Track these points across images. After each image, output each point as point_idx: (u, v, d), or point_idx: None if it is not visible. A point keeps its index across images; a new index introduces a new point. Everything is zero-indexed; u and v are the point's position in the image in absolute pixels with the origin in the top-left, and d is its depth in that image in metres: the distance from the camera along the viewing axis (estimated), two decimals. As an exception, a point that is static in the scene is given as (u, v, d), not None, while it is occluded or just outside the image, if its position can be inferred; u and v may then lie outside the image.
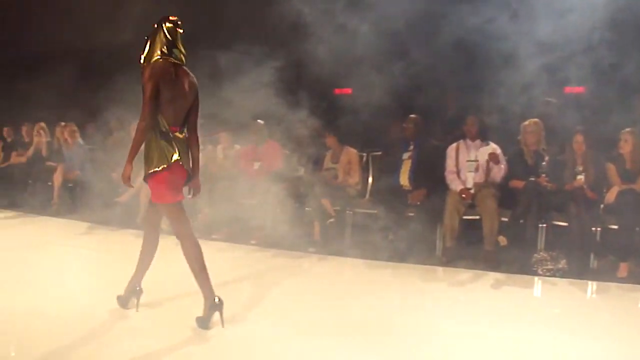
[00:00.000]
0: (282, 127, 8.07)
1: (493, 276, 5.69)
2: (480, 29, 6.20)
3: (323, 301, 4.88)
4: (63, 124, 9.81)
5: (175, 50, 4.04)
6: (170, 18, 4.08)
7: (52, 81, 9.44)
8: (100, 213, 8.37)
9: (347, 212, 6.91)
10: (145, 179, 4.00)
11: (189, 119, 4.13)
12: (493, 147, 6.49)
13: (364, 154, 7.48)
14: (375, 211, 6.63)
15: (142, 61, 4.06)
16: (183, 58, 4.09)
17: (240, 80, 7.32)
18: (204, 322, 3.99)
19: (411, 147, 6.80)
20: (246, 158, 7.83)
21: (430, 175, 6.58)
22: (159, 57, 3.99)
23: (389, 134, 7.69)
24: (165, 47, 4.02)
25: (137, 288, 4.37)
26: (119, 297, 4.41)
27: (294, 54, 7.15)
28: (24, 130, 10.75)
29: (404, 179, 6.71)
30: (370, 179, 7.34)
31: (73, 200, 9.41)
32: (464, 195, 6.25)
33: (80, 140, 9.61)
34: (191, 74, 4.15)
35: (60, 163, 9.53)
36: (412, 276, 5.72)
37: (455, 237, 6.23)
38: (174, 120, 3.99)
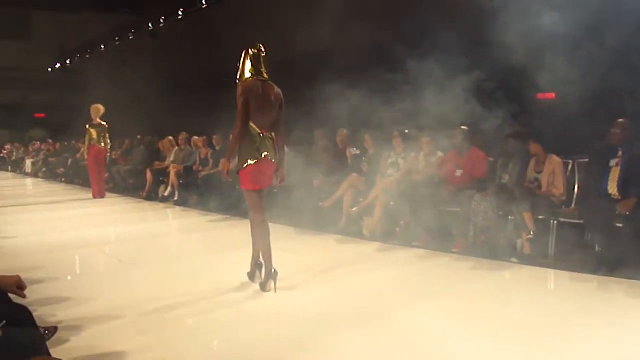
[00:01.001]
0: (486, 134, 8.44)
1: None
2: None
3: (517, 312, 5.05)
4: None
5: (260, 70, 5.54)
6: (255, 46, 5.62)
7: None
8: (305, 217, 9.22)
9: (552, 221, 6.95)
10: (238, 171, 5.54)
11: (276, 123, 5.62)
12: None
13: (570, 161, 7.46)
14: (581, 221, 6.69)
15: (237, 81, 5.60)
16: (266, 75, 5.56)
17: (442, 86, 7.80)
18: (262, 286, 5.65)
19: (619, 154, 6.63)
20: (449, 165, 8.18)
21: (641, 183, 6.37)
22: (247, 77, 5.52)
23: (596, 140, 7.52)
24: (252, 68, 5.54)
25: (272, 269, 5.69)
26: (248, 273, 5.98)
27: (495, 60, 7.42)
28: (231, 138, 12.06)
29: (613, 188, 6.58)
30: (576, 188, 7.31)
31: (278, 205, 10.40)
32: (678, 206, 6.01)
33: (285, 148, 10.60)
34: (276, 87, 5.61)
35: (266, 170, 10.56)
36: (619, 291, 5.65)
37: (668, 250, 5.97)
38: (263, 124, 5.49)
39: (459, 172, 8.01)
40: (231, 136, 5.68)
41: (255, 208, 5.63)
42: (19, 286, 3.26)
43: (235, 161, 5.67)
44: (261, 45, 5.64)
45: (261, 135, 5.46)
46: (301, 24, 11.78)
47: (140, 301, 5.39)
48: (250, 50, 5.62)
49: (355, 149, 9.98)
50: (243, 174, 5.51)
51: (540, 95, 9.39)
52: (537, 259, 6.82)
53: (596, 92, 6.89)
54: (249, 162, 5.44)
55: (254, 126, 5.44)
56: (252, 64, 5.58)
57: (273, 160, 5.58)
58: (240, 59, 5.66)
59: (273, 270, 5.63)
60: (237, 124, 5.41)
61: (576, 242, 6.94)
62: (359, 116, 9.07)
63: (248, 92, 5.41)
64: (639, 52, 6.76)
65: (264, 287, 5.65)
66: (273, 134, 5.61)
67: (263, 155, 5.46)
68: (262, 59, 5.61)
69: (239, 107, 5.38)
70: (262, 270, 5.78)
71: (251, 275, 5.94)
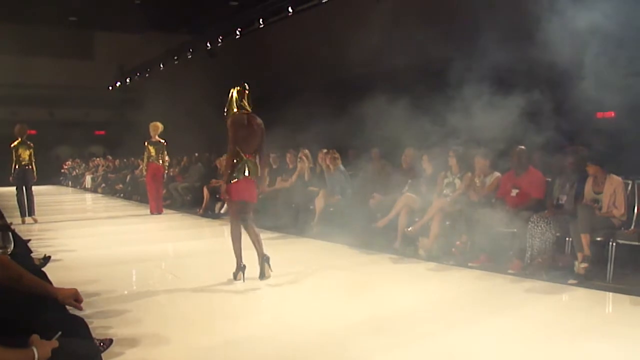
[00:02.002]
0: (544, 154, 8.39)
1: None
2: None
3: (572, 336, 4.98)
4: (325, 150, 10.99)
5: (244, 105, 6.85)
6: (240, 84, 6.89)
7: (315, 109, 10.68)
8: (360, 237, 9.24)
9: (610, 243, 6.82)
10: (225, 185, 6.85)
11: (259, 148, 6.96)
12: None
13: (629, 182, 7.32)
14: (642, 243, 6.55)
15: (225, 115, 6.92)
16: (249, 109, 6.87)
17: (499, 105, 7.81)
18: (261, 275, 6.99)
19: None
20: (505, 185, 8.14)
21: None
22: (234, 111, 6.83)
23: None
24: (237, 104, 6.85)
25: (263, 256, 7.05)
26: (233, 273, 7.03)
27: (553, 79, 7.41)
28: (288, 156, 12.24)
29: None
30: (635, 209, 7.19)
31: (333, 224, 10.44)
32: None
33: (341, 167, 10.72)
34: (258, 118, 6.93)
35: (322, 188, 10.69)
36: None
37: None
38: (247, 150, 6.83)
39: (514, 192, 7.95)
40: (224, 160, 7.22)
41: (234, 215, 7.09)
42: (76, 299, 3.38)
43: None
44: (245, 84, 6.92)
45: (245, 158, 6.83)
46: (356, 42, 11.92)
47: (193, 319, 5.55)
48: (236, 88, 6.93)
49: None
50: (229, 187, 6.84)
51: (599, 114, 9.30)
52: (595, 281, 6.69)
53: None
54: (235, 179, 6.80)
55: (240, 151, 6.80)
56: (237, 100, 6.89)
57: (253, 179, 6.91)
58: (228, 96, 6.95)
59: (264, 257, 7.03)
60: (229, 150, 6.86)
61: (636, 265, 6.88)
62: (410, 133, 9.12)
63: (235, 124, 6.81)
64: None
65: (262, 276, 6.99)
66: (256, 157, 6.98)
67: (245, 174, 6.82)
68: (246, 95, 6.92)
69: (229, 137, 6.80)
70: (244, 272, 6.98)
71: (235, 276, 7.04)
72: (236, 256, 7.01)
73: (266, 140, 7.08)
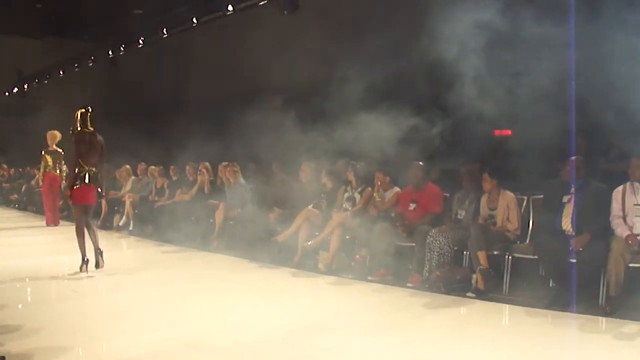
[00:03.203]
0: (442, 169, 8.49)
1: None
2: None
3: (471, 348, 5.03)
4: (225, 163, 10.84)
5: (87, 125, 8.02)
6: (85, 107, 8.09)
7: (216, 122, 10.54)
8: (259, 251, 9.14)
9: (506, 256, 6.99)
10: (67, 191, 8.12)
11: (99, 161, 8.16)
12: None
13: (525, 197, 7.51)
14: (536, 256, 6.71)
15: (71, 132, 8.13)
16: (91, 128, 8.04)
17: (401, 122, 7.87)
18: (96, 265, 7.96)
19: (572, 190, 6.74)
20: (404, 200, 8.23)
21: (594, 219, 6.48)
22: (78, 130, 7.99)
23: (550, 176, 7.59)
24: (80, 124, 8.02)
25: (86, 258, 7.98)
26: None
27: (454, 96, 7.52)
28: (188, 169, 12.00)
29: (566, 224, 6.66)
30: (530, 223, 7.36)
31: (233, 237, 10.33)
32: (630, 242, 6.12)
33: (242, 180, 10.59)
34: (99, 136, 8.13)
35: (222, 201, 10.53)
36: (572, 326, 5.72)
37: (621, 286, 6.05)
38: (88, 162, 8.01)
39: (412, 206, 8.06)
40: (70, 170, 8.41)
41: (78, 218, 8.12)
42: None
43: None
44: (89, 107, 8.12)
45: (86, 168, 7.98)
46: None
47: (90, 332, 5.34)
48: (80, 110, 8.06)
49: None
50: (72, 193, 8.00)
51: (497, 132, 9.50)
52: (492, 294, 6.84)
53: (551, 129, 6.95)
54: (77, 185, 7.96)
55: (82, 163, 7.96)
56: (81, 120, 8.04)
57: (93, 186, 8.07)
58: (74, 117, 8.07)
59: (98, 250, 8.04)
60: (72, 162, 8.15)
61: (531, 278, 7.02)
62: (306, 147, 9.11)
63: (78, 141, 8.01)
64: (593, 93, 6.90)
65: (97, 265, 7.99)
66: (95, 168, 8.11)
67: (86, 182, 7.97)
68: (89, 116, 8.08)
69: (73, 151, 8.06)
70: (88, 265, 7.94)
71: (81, 268, 7.94)
72: (81, 251, 7.96)
73: (106, 154, 8.32)
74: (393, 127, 7.85)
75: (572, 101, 6.99)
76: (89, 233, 8.02)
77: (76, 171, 7.97)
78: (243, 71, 13.52)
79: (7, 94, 28.51)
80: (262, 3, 13.95)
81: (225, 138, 10.95)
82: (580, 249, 6.35)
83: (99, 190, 8.29)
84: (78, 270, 7.89)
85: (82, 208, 8.11)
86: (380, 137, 7.92)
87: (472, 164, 7.95)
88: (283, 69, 11.82)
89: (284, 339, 5.25)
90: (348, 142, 8.41)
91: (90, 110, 8.09)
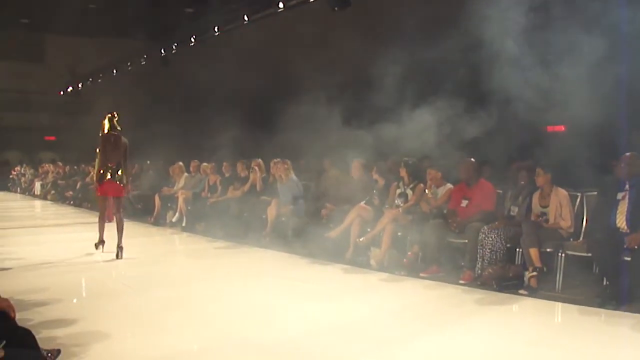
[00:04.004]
0: (495, 166, 8.46)
1: None
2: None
3: (523, 346, 5.02)
4: (277, 160, 10.96)
5: (114, 127, 9.14)
6: (111, 112, 9.22)
7: (271, 119, 10.66)
8: (312, 247, 9.25)
9: (559, 254, 6.91)
10: (96, 184, 9.38)
11: (123, 159, 9.21)
12: None
13: (578, 194, 7.41)
14: (589, 254, 6.64)
15: (100, 134, 9.19)
16: (117, 130, 9.14)
17: (450, 118, 7.87)
18: (117, 255, 9.01)
19: (627, 187, 6.63)
20: (456, 196, 8.22)
21: (650, 217, 6.34)
22: (105, 131, 9.13)
23: (604, 173, 7.59)
24: (109, 126, 9.14)
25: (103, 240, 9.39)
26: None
27: (505, 92, 7.49)
28: (239, 166, 12.16)
29: (621, 221, 6.56)
30: (584, 221, 7.27)
31: (285, 233, 10.44)
32: (686, 240, 5.98)
33: (293, 176, 10.71)
34: (124, 138, 9.26)
35: (274, 198, 10.67)
36: (625, 325, 5.59)
37: (677, 285, 5.94)
38: (112, 159, 9.12)
39: (464, 203, 8.04)
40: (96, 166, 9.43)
41: (101, 208, 9.52)
42: (6, 310, 3.28)
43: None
44: (115, 112, 9.24)
45: (109, 165, 9.10)
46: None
47: (142, 326, 5.49)
48: (109, 115, 9.21)
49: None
50: (98, 186, 9.26)
51: (550, 128, 9.40)
52: (545, 291, 6.76)
53: (606, 125, 6.87)
54: (102, 180, 9.13)
55: (106, 161, 9.11)
56: (109, 123, 9.15)
57: (116, 181, 9.16)
58: (103, 120, 9.19)
59: (120, 246, 9.02)
60: (98, 160, 9.21)
61: (584, 275, 6.96)
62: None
63: (104, 141, 9.16)
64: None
65: (118, 256, 8.97)
66: (119, 165, 9.17)
67: (107, 178, 9.11)
68: (115, 120, 9.19)
69: (99, 150, 9.15)
70: (104, 245, 9.41)
71: (96, 246, 9.40)
72: (99, 232, 9.41)
73: (129, 154, 9.44)
74: (443, 123, 7.86)
75: (623, 93, 6.90)
76: (117, 222, 9.26)
77: (102, 168, 9.16)
78: (290, 67, 13.61)
79: (62, 93, 29.10)
80: (312, 0, 14.06)
81: (276, 134, 11.06)
82: (635, 247, 6.23)
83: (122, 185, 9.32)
84: (111, 256, 9.01)
85: (103, 199, 9.46)
86: (431, 134, 7.95)
87: (526, 160, 7.90)
88: (329, 65, 11.89)
89: (335, 335, 5.33)
90: (398, 138, 8.44)
91: (116, 115, 9.27)
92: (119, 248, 9.00)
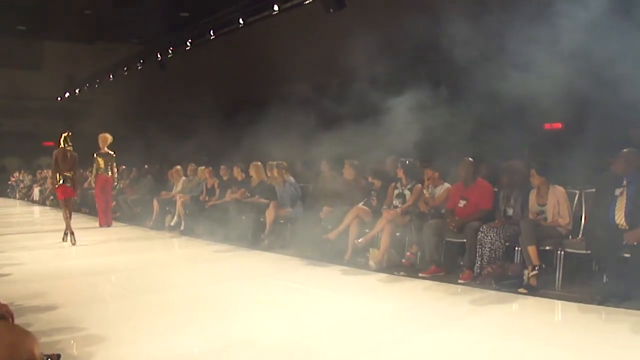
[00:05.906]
0: (492, 165, 8.42)
1: None
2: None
3: (524, 345, 5.00)
4: (275, 162, 10.92)
5: (67, 143, 11.56)
6: (66, 132, 11.78)
7: (266, 123, 10.64)
8: (310, 249, 9.23)
9: (558, 252, 6.87)
10: (53, 188, 12.24)
11: (72, 169, 11.49)
12: None
13: (576, 192, 7.38)
14: (588, 251, 6.62)
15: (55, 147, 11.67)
16: (68, 147, 11.52)
17: (447, 116, 7.83)
18: (72, 242, 11.04)
19: (624, 183, 6.58)
20: (454, 196, 8.17)
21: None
22: (60, 146, 11.57)
23: (602, 169, 7.48)
24: (62, 143, 11.58)
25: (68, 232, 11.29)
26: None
27: (502, 90, 7.47)
28: (236, 169, 12.12)
29: (620, 217, 6.51)
30: (583, 218, 7.23)
31: (284, 236, 10.44)
32: (686, 235, 5.95)
33: (291, 179, 10.66)
34: (74, 153, 11.59)
35: (272, 200, 10.61)
36: (626, 323, 5.51)
37: (677, 281, 5.90)
38: (64, 169, 11.41)
39: (462, 203, 8.00)
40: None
41: (62, 204, 11.58)
42: (3, 316, 3.24)
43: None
44: (69, 132, 11.74)
45: (63, 174, 11.39)
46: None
47: (144, 329, 5.44)
48: (64, 134, 11.67)
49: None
50: (56, 190, 11.64)
51: (547, 126, 9.38)
52: (544, 289, 6.74)
53: (602, 122, 6.84)
54: (58, 185, 11.46)
55: (60, 170, 11.42)
56: (64, 141, 11.58)
57: (68, 185, 11.46)
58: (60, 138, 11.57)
59: (70, 231, 11.18)
60: (53, 169, 11.72)
61: (583, 273, 6.93)
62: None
63: (57, 154, 11.50)
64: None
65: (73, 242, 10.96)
66: (70, 173, 11.48)
67: (61, 183, 11.41)
68: (68, 139, 11.61)
69: (52, 161, 11.60)
70: (69, 237, 11.09)
71: (63, 238, 11.33)
72: (66, 226, 11.24)
73: (77, 164, 11.78)
74: (440, 124, 7.83)
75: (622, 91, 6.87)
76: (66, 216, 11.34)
77: (57, 175, 11.49)
78: (282, 72, 13.57)
79: (59, 98, 29.08)
80: (307, 2, 14.03)
81: (271, 138, 11.02)
82: (634, 243, 6.20)
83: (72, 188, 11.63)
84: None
85: (63, 201, 11.56)
86: (427, 133, 7.92)
87: (514, 160, 7.86)
88: (323, 68, 11.87)
89: (335, 336, 5.30)
90: (395, 139, 8.42)
91: (70, 134, 11.75)
92: (70, 234, 11.21)
